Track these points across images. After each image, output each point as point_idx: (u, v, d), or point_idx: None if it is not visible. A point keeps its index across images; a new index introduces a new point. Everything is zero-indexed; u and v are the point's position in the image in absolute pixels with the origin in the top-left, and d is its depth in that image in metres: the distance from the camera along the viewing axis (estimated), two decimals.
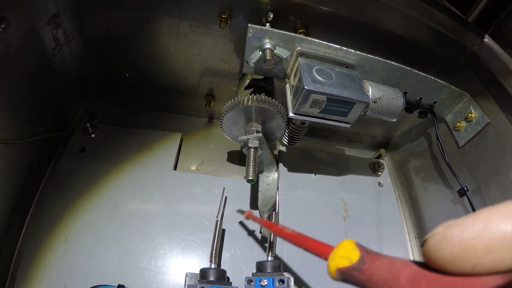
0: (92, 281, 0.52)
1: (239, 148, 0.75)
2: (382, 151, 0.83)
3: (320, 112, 0.50)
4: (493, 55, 0.57)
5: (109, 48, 0.66)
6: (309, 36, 0.60)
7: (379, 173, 0.78)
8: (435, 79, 0.58)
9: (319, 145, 0.85)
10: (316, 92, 0.46)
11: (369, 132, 0.86)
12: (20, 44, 0.52)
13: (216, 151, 0.75)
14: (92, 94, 0.76)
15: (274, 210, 0.60)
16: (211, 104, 0.75)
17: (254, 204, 0.66)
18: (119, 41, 0.64)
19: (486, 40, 0.59)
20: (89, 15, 0.60)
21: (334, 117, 0.51)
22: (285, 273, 0.54)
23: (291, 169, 0.72)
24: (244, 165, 0.55)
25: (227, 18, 0.57)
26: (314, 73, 0.48)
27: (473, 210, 0.56)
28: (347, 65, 0.54)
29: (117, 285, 0.51)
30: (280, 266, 0.54)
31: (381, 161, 0.79)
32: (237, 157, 0.74)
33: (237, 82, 0.67)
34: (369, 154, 0.88)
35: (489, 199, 0.56)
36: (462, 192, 0.59)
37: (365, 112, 0.52)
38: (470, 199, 0.57)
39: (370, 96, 0.50)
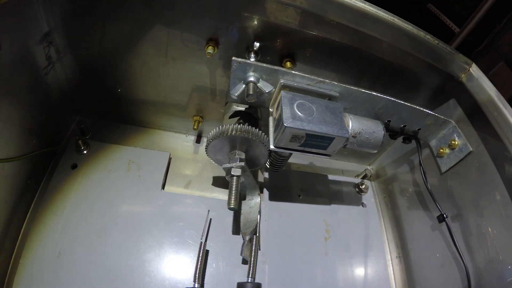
0: None
1: None
2: (367, 170, 0.84)
3: (300, 146, 0.51)
4: (478, 85, 0.57)
5: (100, 65, 0.67)
6: (295, 63, 0.62)
7: (363, 194, 0.79)
8: (420, 108, 0.59)
9: (304, 162, 0.86)
10: (295, 129, 0.47)
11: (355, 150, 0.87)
12: (13, 64, 0.53)
13: (203, 171, 0.77)
14: (84, 109, 0.77)
15: (255, 233, 0.62)
16: (200, 124, 0.76)
17: (237, 225, 0.68)
18: (110, 59, 0.65)
19: (473, 69, 0.59)
20: (80, 33, 0.60)
21: (314, 150, 0.52)
22: None
23: (275, 191, 0.75)
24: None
25: (214, 46, 0.58)
26: (295, 108, 0.49)
27: (451, 236, 0.57)
28: (330, 97, 0.55)
29: None
30: (259, 287, 0.57)
31: (365, 182, 0.80)
32: (224, 177, 0.76)
33: (224, 104, 0.68)
34: (355, 169, 0.89)
35: (469, 227, 0.57)
36: (441, 219, 0.60)
37: (345, 145, 0.53)
38: (448, 226, 0.58)
39: (350, 130, 0.52)
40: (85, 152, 0.71)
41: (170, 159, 0.75)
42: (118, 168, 0.70)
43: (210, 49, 0.57)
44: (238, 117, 0.60)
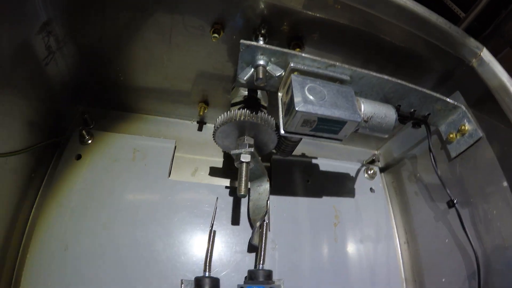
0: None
1: None
2: (376, 156, 0.84)
3: (311, 130, 0.50)
4: (489, 70, 0.56)
5: (102, 53, 0.65)
6: (303, 47, 0.60)
7: (372, 179, 0.79)
8: (430, 92, 0.58)
9: (313, 149, 0.85)
10: (307, 113, 0.46)
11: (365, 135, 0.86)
12: (13, 55, 0.52)
13: (210, 157, 0.76)
14: (86, 99, 0.76)
15: (265, 219, 0.61)
16: (205, 111, 0.75)
17: (246, 212, 0.67)
18: (112, 46, 0.63)
19: (484, 54, 0.58)
20: (80, 21, 0.58)
21: (325, 135, 0.51)
22: (275, 281, 0.57)
23: (283, 177, 0.74)
24: (237, 172, 0.56)
25: (219, 29, 0.56)
26: (306, 92, 0.48)
27: (461, 222, 0.57)
28: (341, 81, 0.54)
29: None
30: (271, 274, 0.57)
31: (374, 167, 0.80)
32: (231, 163, 0.75)
33: (231, 89, 0.67)
34: (364, 154, 0.88)
35: (477, 214, 0.57)
36: (450, 204, 0.60)
37: (357, 129, 0.52)
38: (458, 212, 0.58)
39: (361, 114, 0.50)
40: (89, 142, 0.70)
41: (175, 146, 0.74)
42: (123, 157, 0.69)
43: (215, 33, 0.56)
44: (246, 102, 0.58)
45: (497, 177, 0.54)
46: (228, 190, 0.69)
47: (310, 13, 0.54)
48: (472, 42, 0.58)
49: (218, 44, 0.60)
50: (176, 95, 0.73)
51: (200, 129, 0.81)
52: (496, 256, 0.53)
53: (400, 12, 0.54)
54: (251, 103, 0.58)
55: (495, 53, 0.61)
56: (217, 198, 0.65)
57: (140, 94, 0.74)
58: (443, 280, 0.63)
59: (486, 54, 0.58)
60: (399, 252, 0.73)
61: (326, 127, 0.49)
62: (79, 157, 0.68)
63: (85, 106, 0.76)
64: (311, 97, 0.48)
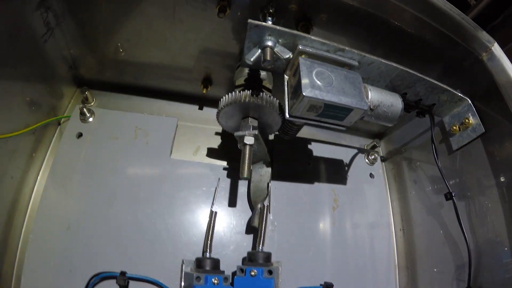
0: (96, 267, 0.55)
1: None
2: (377, 141, 0.84)
3: (316, 116, 0.49)
4: (499, 65, 0.55)
5: (102, 29, 0.63)
6: (311, 28, 0.58)
7: (372, 164, 0.79)
8: (438, 83, 0.57)
9: (315, 132, 0.85)
10: (314, 99, 0.45)
11: (367, 122, 0.86)
12: (11, 34, 0.50)
13: (212, 136, 0.75)
14: (87, 76, 0.74)
15: (266, 202, 0.62)
16: (208, 89, 0.74)
17: (247, 194, 0.68)
18: (113, 21, 0.61)
19: (495, 49, 0.57)
20: None
21: (330, 121, 0.51)
22: (274, 263, 0.58)
23: (284, 159, 0.74)
24: (239, 152, 0.56)
25: (226, 6, 0.54)
26: (314, 76, 0.47)
27: (457, 215, 0.58)
28: (349, 66, 0.52)
29: (119, 271, 0.54)
30: (269, 257, 0.58)
31: (374, 153, 0.80)
32: (234, 144, 0.75)
33: (235, 68, 0.65)
34: (365, 141, 0.88)
35: (473, 207, 0.58)
36: (448, 197, 0.61)
37: (362, 117, 0.52)
38: (455, 204, 0.58)
39: (368, 102, 0.50)
40: (90, 120, 0.69)
41: (177, 125, 0.73)
42: (125, 135, 0.68)
43: (221, 11, 0.54)
44: (251, 83, 0.57)
45: (495, 171, 0.55)
46: (230, 171, 0.69)
47: None
48: (484, 36, 0.57)
49: (223, 21, 0.58)
50: (179, 71, 0.72)
51: (201, 108, 0.79)
52: (488, 250, 0.54)
53: None
54: (256, 84, 0.57)
55: (504, 44, 0.60)
56: (219, 179, 0.65)
57: (141, 71, 0.73)
58: (435, 270, 0.65)
59: (497, 49, 0.57)
60: (394, 239, 0.75)
61: (332, 113, 0.49)
62: (80, 135, 0.67)
63: (85, 84, 0.75)
64: (318, 82, 0.47)
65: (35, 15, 0.54)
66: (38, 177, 0.64)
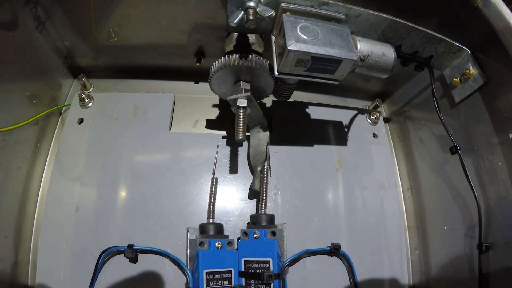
0: (106, 244, 0.57)
1: None
2: (378, 101, 0.82)
3: (306, 71, 0.49)
4: (496, 11, 0.52)
5: (92, 16, 0.64)
6: None
7: (375, 124, 0.78)
8: (433, 32, 0.55)
9: (314, 96, 0.83)
10: (300, 52, 0.45)
11: (367, 81, 0.84)
12: (4, 34, 0.52)
13: (210, 108, 0.76)
14: (83, 65, 0.76)
15: (266, 164, 0.62)
16: (202, 61, 0.74)
17: (247, 158, 0.68)
18: (101, 8, 0.62)
19: None
20: None
21: (321, 75, 0.50)
22: (278, 225, 0.59)
23: (284, 121, 0.73)
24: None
25: None
26: (298, 31, 0.46)
27: (464, 168, 0.56)
28: (336, 20, 0.51)
29: (127, 245, 0.56)
30: (273, 218, 0.59)
31: (377, 112, 0.78)
32: (231, 111, 0.75)
33: (225, 36, 0.65)
34: (366, 104, 0.86)
35: (482, 163, 0.56)
36: (453, 150, 0.59)
37: (354, 69, 0.51)
38: (461, 158, 0.57)
39: (358, 53, 0.49)
40: (89, 105, 0.70)
41: (175, 100, 0.74)
42: (124, 115, 0.69)
43: None
44: (239, 48, 0.57)
45: (503, 127, 0.52)
46: (229, 138, 0.69)
47: None
48: None
49: None
50: (171, 48, 0.72)
51: (197, 82, 0.80)
52: (498, 207, 0.52)
53: None
54: (245, 48, 0.57)
55: None
56: (218, 145, 0.66)
57: (135, 52, 0.74)
58: (445, 228, 0.64)
59: None
60: (402, 199, 0.74)
61: (321, 67, 0.48)
62: (81, 121, 0.69)
63: (82, 71, 0.76)
64: (304, 36, 0.46)
65: (24, 11, 0.56)
66: (45, 166, 0.67)
